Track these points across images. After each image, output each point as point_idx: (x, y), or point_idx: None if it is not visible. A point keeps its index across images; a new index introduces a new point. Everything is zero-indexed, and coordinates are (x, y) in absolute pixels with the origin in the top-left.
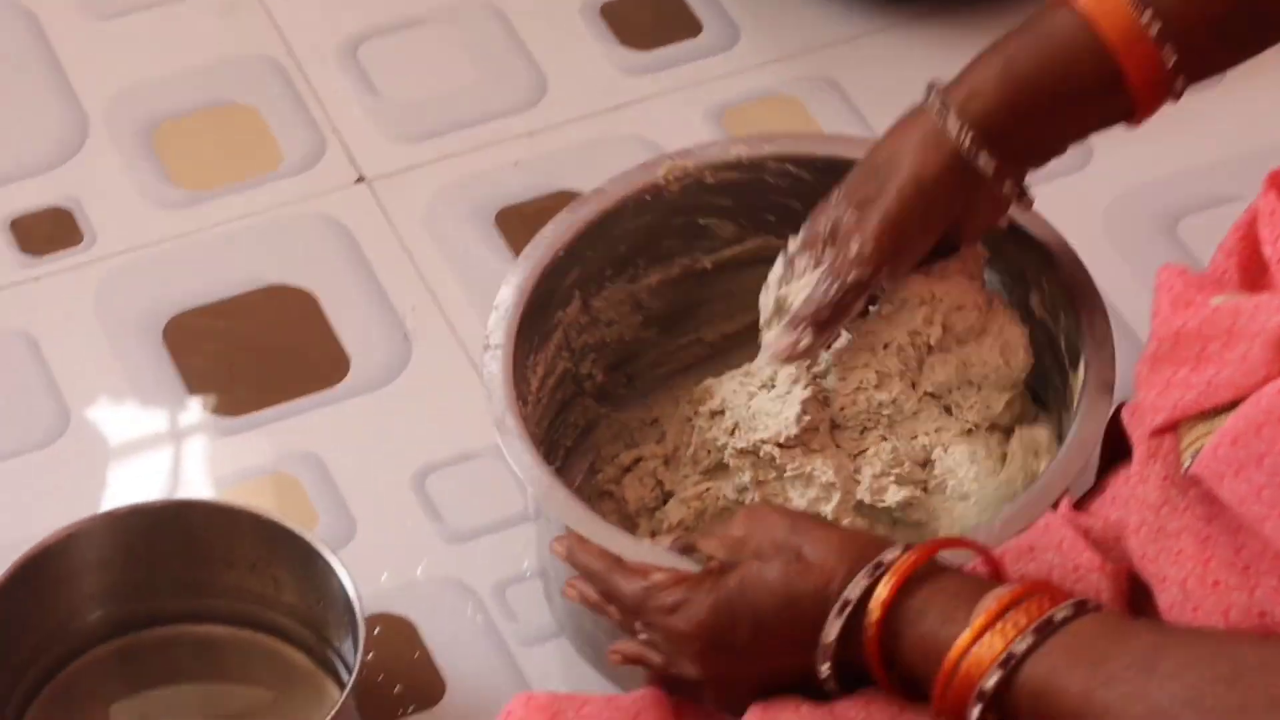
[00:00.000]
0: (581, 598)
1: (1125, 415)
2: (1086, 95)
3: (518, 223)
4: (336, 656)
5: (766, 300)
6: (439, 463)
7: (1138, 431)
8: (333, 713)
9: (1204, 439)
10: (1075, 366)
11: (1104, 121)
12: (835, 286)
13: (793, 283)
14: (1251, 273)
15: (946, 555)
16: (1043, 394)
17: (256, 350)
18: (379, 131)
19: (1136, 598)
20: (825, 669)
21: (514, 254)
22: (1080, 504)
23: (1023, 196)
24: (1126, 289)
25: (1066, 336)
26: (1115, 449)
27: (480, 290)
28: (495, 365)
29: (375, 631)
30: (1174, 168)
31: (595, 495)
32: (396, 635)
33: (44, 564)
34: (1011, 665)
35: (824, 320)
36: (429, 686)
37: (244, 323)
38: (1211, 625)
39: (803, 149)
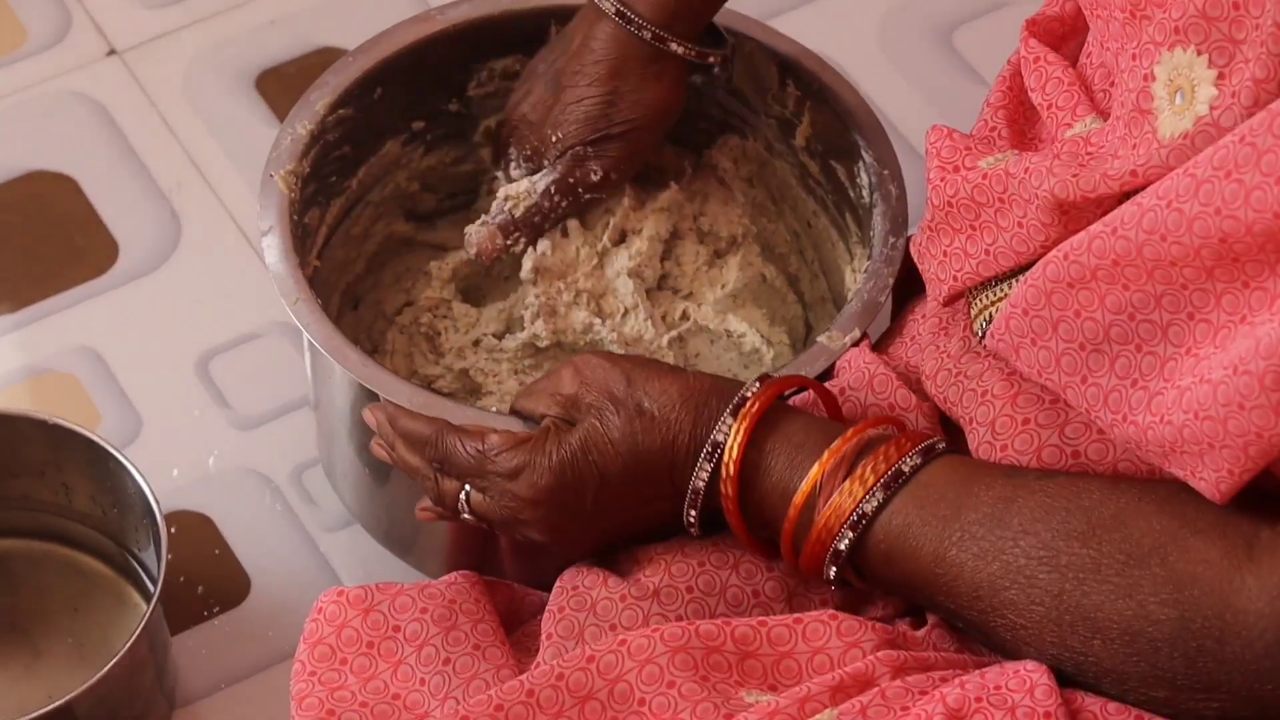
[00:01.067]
0: (399, 462)
1: (913, 251)
2: None
3: (278, 85)
4: (137, 562)
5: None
6: (221, 346)
7: (932, 301)
8: (140, 625)
9: (992, 308)
10: (869, 203)
11: None
12: (561, 202)
13: (514, 185)
14: (1019, 124)
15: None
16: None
17: (17, 242)
18: None
19: (951, 437)
20: (693, 515)
21: (278, 118)
22: (878, 346)
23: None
24: (905, 104)
25: (851, 174)
26: (910, 284)
27: (247, 160)
28: (274, 253)
29: (171, 531)
30: None
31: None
32: (194, 532)
33: None
34: (863, 525)
35: (539, 225)
36: (233, 583)
37: (4, 211)
38: (1028, 464)
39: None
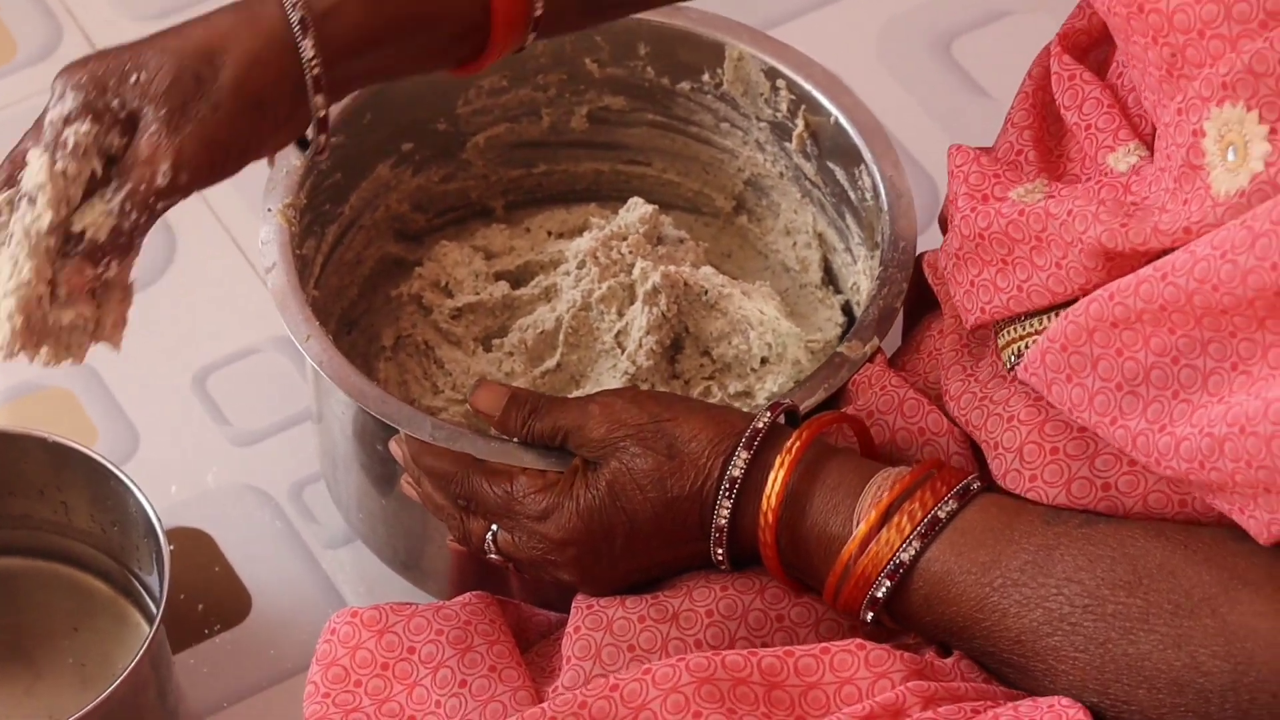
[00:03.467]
0: (424, 500)
1: (926, 268)
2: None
3: None
4: (137, 580)
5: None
6: (218, 362)
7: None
8: (143, 646)
9: (1021, 341)
10: (875, 217)
11: (445, 58)
12: (141, 218)
13: (87, 208)
14: (1047, 144)
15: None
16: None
17: None
18: (116, 10)
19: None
20: (720, 554)
21: None
22: (894, 361)
23: (323, 129)
24: (903, 114)
25: (852, 176)
26: (922, 298)
27: (242, 174)
28: (281, 290)
29: (171, 548)
30: None
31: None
32: (194, 550)
33: None
34: (900, 574)
35: (127, 247)
36: (234, 601)
37: None
38: (1057, 496)
39: None
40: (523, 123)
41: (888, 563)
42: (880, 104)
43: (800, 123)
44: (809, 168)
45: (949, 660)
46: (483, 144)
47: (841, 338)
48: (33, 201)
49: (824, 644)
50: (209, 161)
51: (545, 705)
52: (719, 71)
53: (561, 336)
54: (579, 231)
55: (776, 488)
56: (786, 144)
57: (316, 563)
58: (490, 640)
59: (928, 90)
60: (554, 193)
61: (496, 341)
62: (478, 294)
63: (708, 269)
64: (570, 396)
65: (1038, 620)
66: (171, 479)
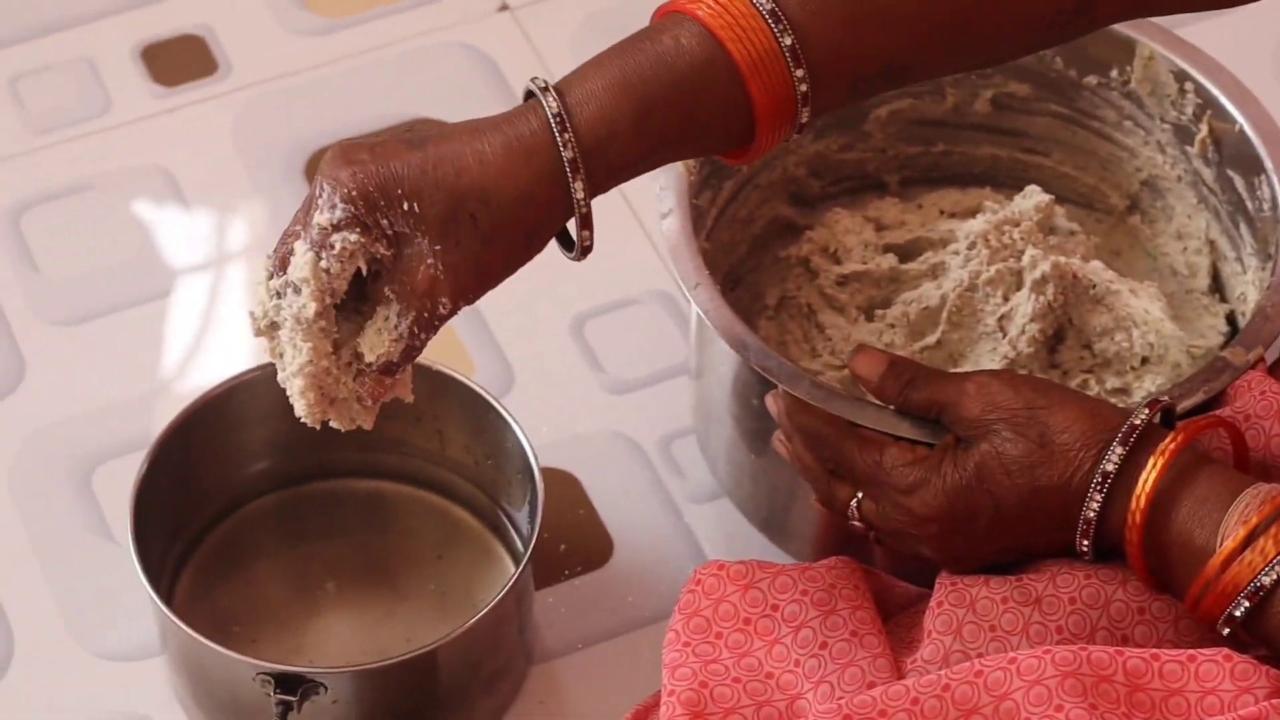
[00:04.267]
0: (794, 458)
1: None
2: (710, 120)
3: None
4: (505, 516)
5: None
6: (597, 309)
7: None
8: (511, 579)
9: None
10: (1271, 229)
11: (720, 148)
12: (428, 336)
13: (375, 337)
14: None
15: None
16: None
17: None
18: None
19: None
20: (1085, 545)
21: None
22: (1274, 370)
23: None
24: None
25: (1251, 185)
26: None
27: None
28: (674, 236)
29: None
30: None
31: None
32: (560, 491)
33: (206, 417)
34: (1261, 595)
35: (416, 356)
36: (596, 545)
37: None
38: None
39: None
40: (926, 100)
41: (1248, 584)
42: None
43: (1204, 127)
44: (1208, 174)
45: None
46: (884, 117)
47: (1223, 347)
48: (298, 291)
49: (1190, 651)
50: (483, 287)
51: (909, 683)
52: (1128, 69)
53: (945, 314)
54: (971, 213)
55: (1147, 489)
56: (1188, 148)
57: (680, 515)
58: (854, 605)
59: None
60: (949, 173)
61: (879, 312)
62: (865, 263)
63: (1097, 263)
64: (948, 371)
65: None
66: (543, 420)
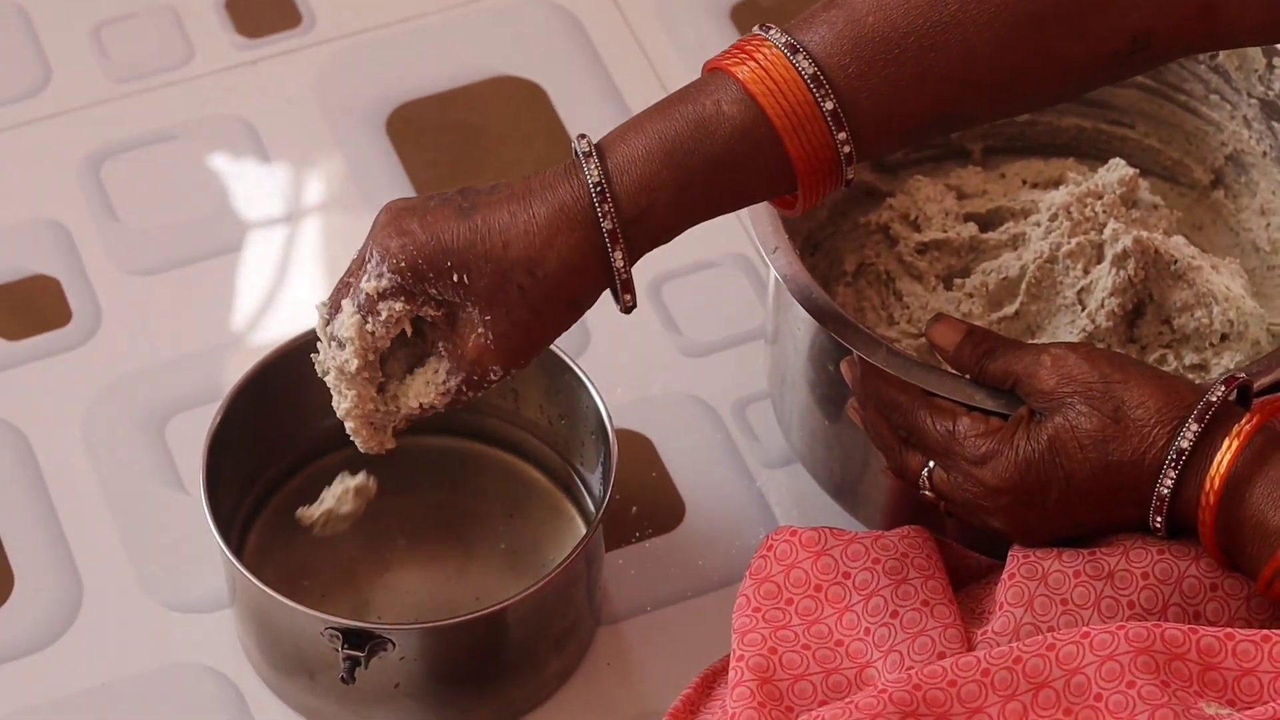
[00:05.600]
0: (867, 425)
1: None
2: (751, 183)
3: (753, 19)
4: (577, 476)
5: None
6: (675, 270)
7: None
8: (583, 542)
9: None
10: None
11: (764, 200)
12: (474, 396)
13: (422, 386)
14: None
15: None
16: None
17: (482, 144)
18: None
19: None
20: (1158, 521)
21: None
22: None
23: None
24: None
25: None
26: None
27: None
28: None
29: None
30: None
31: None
32: (633, 453)
33: (281, 370)
34: None
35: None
36: (668, 508)
37: (470, 114)
38: None
39: None
40: None
41: None
42: None
43: None
44: None
45: None
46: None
47: None
48: (342, 346)
49: (1265, 631)
50: (534, 352)
51: (980, 655)
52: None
53: (1024, 285)
54: (1054, 184)
55: (1222, 468)
56: (1275, 123)
57: (752, 480)
58: (925, 575)
59: None
60: (1033, 143)
61: (958, 281)
62: (945, 232)
63: (1179, 239)
64: (1026, 342)
65: None
66: (618, 381)
